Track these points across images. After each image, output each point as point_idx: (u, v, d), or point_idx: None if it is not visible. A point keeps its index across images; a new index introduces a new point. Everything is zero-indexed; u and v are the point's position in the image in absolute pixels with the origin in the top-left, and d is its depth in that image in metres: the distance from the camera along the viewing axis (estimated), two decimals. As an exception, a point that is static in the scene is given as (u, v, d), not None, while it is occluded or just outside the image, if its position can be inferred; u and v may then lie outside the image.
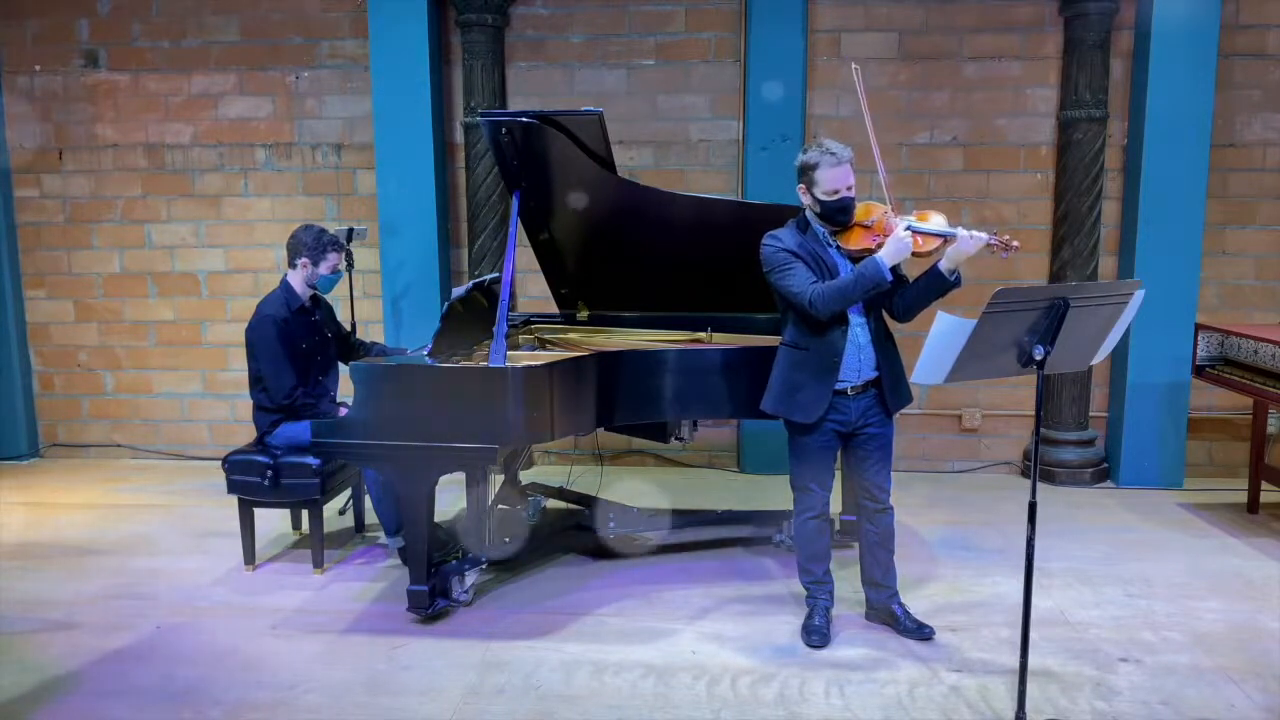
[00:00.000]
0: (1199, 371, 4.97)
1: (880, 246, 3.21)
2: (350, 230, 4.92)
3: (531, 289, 5.58)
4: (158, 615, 3.81)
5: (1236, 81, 5.30)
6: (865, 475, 3.51)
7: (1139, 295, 2.87)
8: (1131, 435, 5.38)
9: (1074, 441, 5.48)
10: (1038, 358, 2.77)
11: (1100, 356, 3.03)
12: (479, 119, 4.60)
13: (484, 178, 5.52)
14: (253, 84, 5.81)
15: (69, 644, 3.57)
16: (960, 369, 2.81)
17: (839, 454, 3.55)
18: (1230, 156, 5.35)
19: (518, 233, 3.92)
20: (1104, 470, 5.52)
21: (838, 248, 3.37)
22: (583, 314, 4.63)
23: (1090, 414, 5.54)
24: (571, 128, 3.86)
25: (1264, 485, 4.92)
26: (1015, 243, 3.10)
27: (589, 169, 3.96)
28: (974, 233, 3.12)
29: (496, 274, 4.38)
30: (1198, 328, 4.99)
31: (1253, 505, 4.95)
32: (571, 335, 4.52)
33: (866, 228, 3.32)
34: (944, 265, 3.21)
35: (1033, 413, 3.00)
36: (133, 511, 5.11)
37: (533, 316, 4.75)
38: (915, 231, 3.18)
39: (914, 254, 3.19)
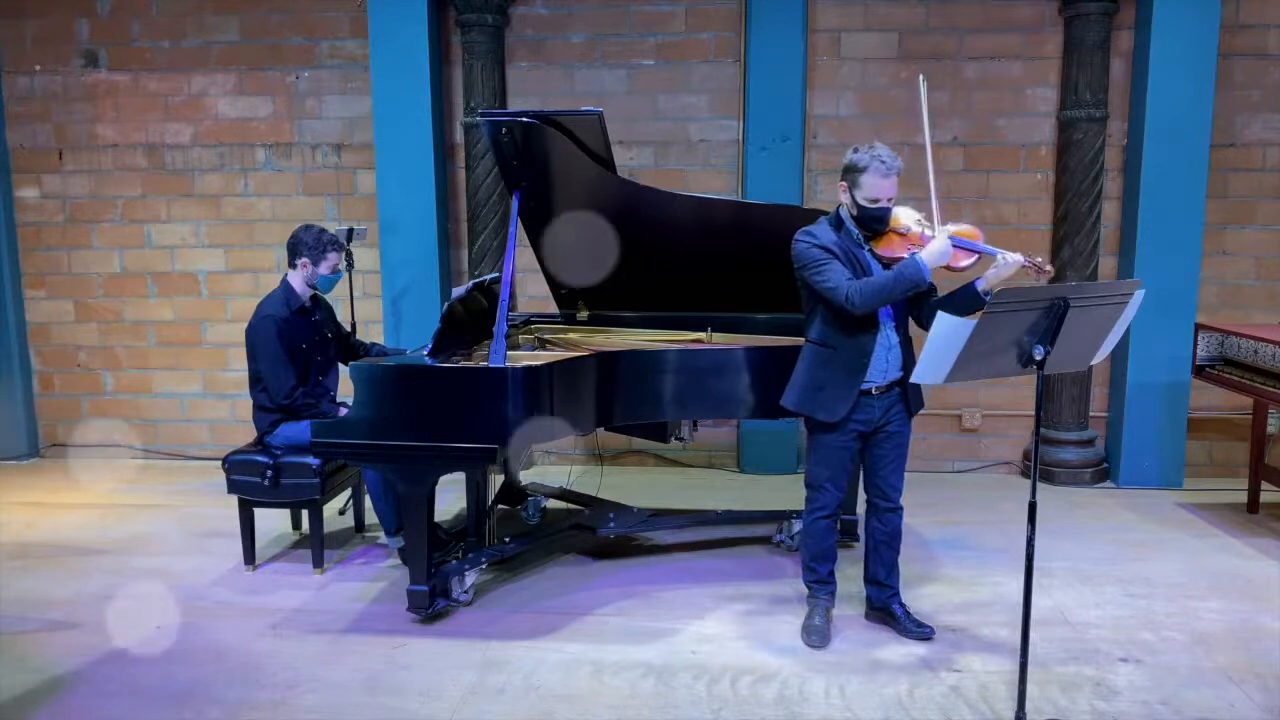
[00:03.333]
0: (1199, 371, 4.96)
1: (914, 254, 3.19)
2: (350, 230, 4.92)
3: (531, 289, 5.58)
4: (158, 615, 3.81)
5: (1236, 81, 5.30)
6: (879, 474, 3.50)
7: (1139, 295, 2.87)
8: (1131, 435, 5.38)
9: (1074, 441, 5.48)
10: (1038, 358, 2.77)
11: (1100, 356, 3.03)
12: (479, 119, 4.60)
13: (484, 178, 5.52)
14: (253, 84, 5.81)
15: (69, 644, 3.56)
16: (960, 369, 2.81)
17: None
18: (1230, 156, 5.35)
19: (518, 233, 3.92)
20: (1104, 470, 5.52)
21: (870, 250, 3.35)
22: (583, 314, 4.63)
23: (1090, 414, 5.54)
24: (571, 127, 3.86)
25: (1264, 485, 4.92)
26: (1049, 266, 3.12)
27: (589, 169, 3.96)
28: (1010, 256, 3.11)
29: (496, 274, 4.38)
30: (1198, 328, 4.99)
31: (1253, 505, 4.95)
32: (571, 335, 4.52)
33: (902, 235, 3.30)
34: (982, 285, 3.19)
35: (1033, 413, 3.00)
36: (133, 511, 5.12)
37: (533, 316, 4.75)
38: (957, 246, 3.18)
39: (948, 267, 3.20)
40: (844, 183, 3.30)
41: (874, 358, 3.33)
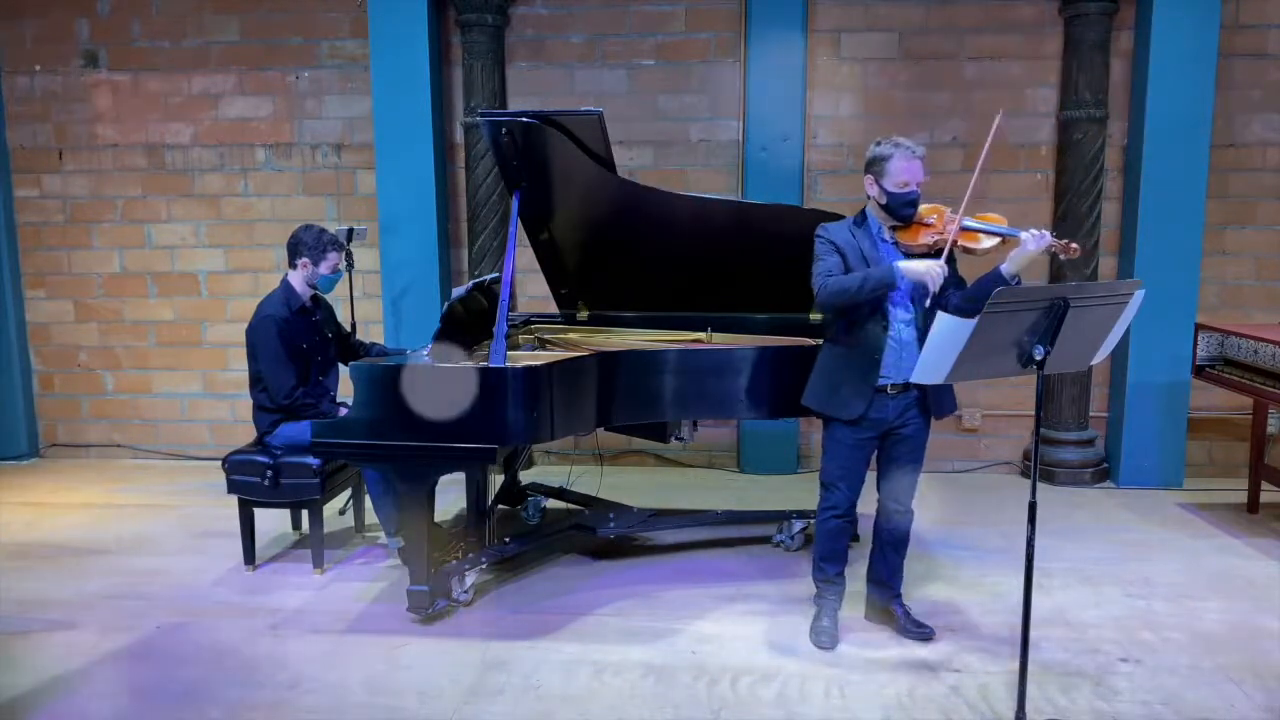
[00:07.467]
0: (1199, 371, 4.96)
1: (937, 243, 3.19)
2: (350, 230, 4.92)
3: (531, 289, 5.58)
4: (158, 615, 3.81)
5: (1236, 81, 5.29)
6: (892, 477, 3.49)
7: (1139, 295, 2.87)
8: (1131, 435, 5.38)
9: (1074, 441, 5.47)
10: (1038, 358, 2.77)
11: (1100, 356, 3.03)
12: (479, 119, 4.59)
13: (484, 178, 5.52)
14: (253, 84, 5.81)
15: (69, 644, 3.57)
16: (960, 369, 2.81)
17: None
18: (1230, 156, 5.35)
19: (518, 233, 3.92)
20: (1104, 470, 5.52)
21: (895, 243, 3.33)
22: (583, 314, 4.63)
23: (1090, 414, 5.54)
24: (571, 128, 3.86)
25: (1264, 485, 4.92)
26: (1074, 244, 3.12)
27: (589, 169, 3.96)
28: (1033, 232, 3.09)
29: (496, 274, 4.38)
30: (1198, 328, 4.99)
31: (1253, 505, 4.95)
32: (571, 335, 4.52)
33: (927, 225, 3.30)
34: (1007, 269, 3.15)
35: (1033, 413, 2.99)
36: (133, 511, 5.11)
37: (533, 316, 4.75)
38: (967, 229, 3.20)
39: (968, 251, 3.21)
40: (870, 175, 3.29)
41: (886, 355, 3.30)
